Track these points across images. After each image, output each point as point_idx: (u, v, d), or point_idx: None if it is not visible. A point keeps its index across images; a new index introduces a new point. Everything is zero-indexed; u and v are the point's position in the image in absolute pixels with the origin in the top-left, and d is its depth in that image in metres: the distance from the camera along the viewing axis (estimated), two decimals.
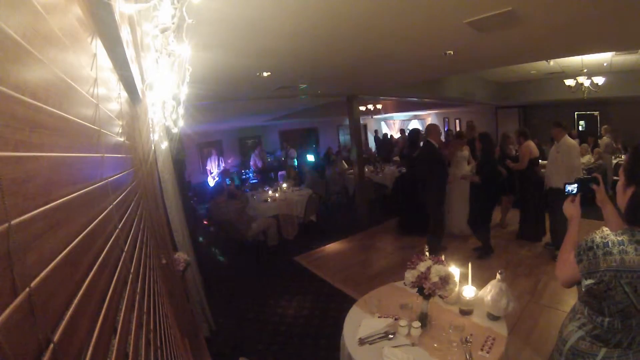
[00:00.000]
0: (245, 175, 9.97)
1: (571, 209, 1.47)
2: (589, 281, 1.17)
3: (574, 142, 4.11)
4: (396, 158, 9.02)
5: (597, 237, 1.16)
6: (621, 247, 1.09)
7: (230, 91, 4.39)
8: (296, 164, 10.04)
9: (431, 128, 4.32)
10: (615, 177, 7.35)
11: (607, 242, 1.12)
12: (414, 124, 15.30)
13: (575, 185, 1.49)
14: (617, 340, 1.17)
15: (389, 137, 13.38)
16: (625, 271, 1.08)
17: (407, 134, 7.52)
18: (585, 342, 1.24)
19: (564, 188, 1.52)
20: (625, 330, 1.15)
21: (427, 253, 2.00)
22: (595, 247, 1.14)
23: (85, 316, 0.48)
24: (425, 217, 4.68)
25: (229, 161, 9.16)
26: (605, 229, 1.19)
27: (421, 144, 4.66)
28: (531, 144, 4.67)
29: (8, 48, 0.36)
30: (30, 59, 0.42)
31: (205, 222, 6.30)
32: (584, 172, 5.78)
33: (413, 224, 5.32)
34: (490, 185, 4.14)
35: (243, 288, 4.24)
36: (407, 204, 5.40)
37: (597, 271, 1.13)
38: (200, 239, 5.59)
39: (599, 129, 9.74)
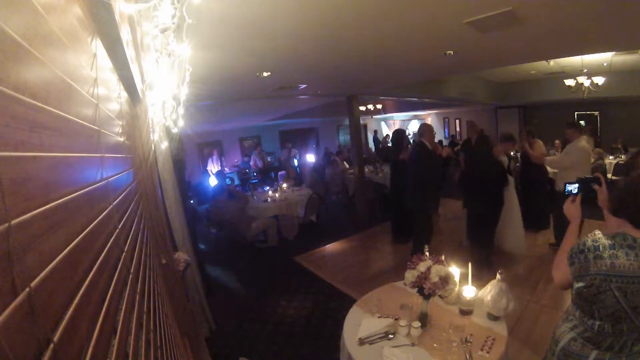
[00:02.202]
0: (245, 175, 9.96)
1: (572, 210, 1.45)
2: (580, 284, 1.17)
3: (586, 145, 4.05)
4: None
5: (589, 240, 1.16)
6: (612, 251, 1.09)
7: (230, 91, 4.39)
8: (296, 164, 10.04)
9: (424, 128, 4.17)
10: (614, 177, 7.36)
11: (598, 245, 1.12)
12: (414, 124, 15.30)
13: (576, 185, 1.48)
14: (608, 344, 1.17)
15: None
16: (615, 275, 1.07)
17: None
18: (577, 343, 1.24)
19: (565, 188, 1.51)
20: (616, 334, 1.15)
21: (427, 253, 2.00)
22: (586, 250, 1.14)
23: (85, 316, 0.48)
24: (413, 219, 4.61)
25: (236, 160, 9.16)
26: (597, 232, 1.18)
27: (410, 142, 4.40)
28: None
29: (8, 48, 0.36)
30: (30, 59, 0.42)
31: (206, 226, 6.27)
32: None
33: (405, 229, 5.02)
34: (494, 195, 3.64)
35: (243, 288, 4.24)
36: (398, 208, 5.04)
37: (588, 274, 1.13)
38: (202, 246, 5.58)
39: (599, 128, 9.75)
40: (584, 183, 1.46)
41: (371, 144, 13.73)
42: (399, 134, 5.13)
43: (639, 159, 3.38)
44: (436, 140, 5.70)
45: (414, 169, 4.10)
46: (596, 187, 1.44)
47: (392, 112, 12.56)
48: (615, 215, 1.17)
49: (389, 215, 5.53)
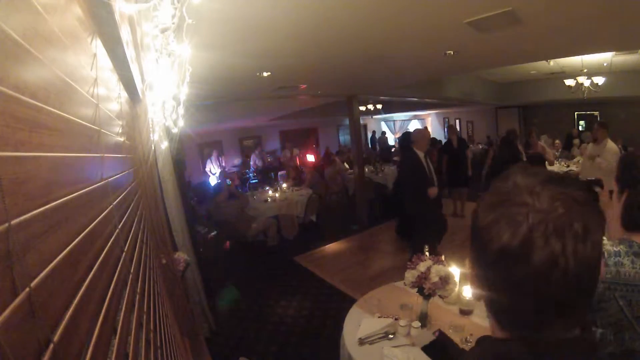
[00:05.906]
0: (246, 175, 9.96)
1: None
2: None
3: (614, 145, 4.08)
4: (396, 158, 8.99)
5: None
6: (617, 258, 1.06)
7: (230, 91, 4.39)
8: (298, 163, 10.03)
9: (417, 136, 3.96)
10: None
11: (603, 252, 1.07)
12: (414, 124, 15.30)
13: None
14: (609, 351, 1.16)
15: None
16: (620, 284, 1.05)
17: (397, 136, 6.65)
18: None
19: None
20: (617, 343, 1.13)
21: (427, 253, 2.00)
22: None
23: (85, 316, 0.48)
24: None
25: (236, 161, 9.22)
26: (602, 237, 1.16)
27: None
28: None
29: (8, 48, 0.36)
30: (30, 59, 0.42)
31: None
32: None
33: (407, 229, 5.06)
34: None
35: (243, 288, 4.23)
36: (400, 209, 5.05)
37: None
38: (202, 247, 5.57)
39: None
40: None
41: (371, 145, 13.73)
42: (406, 136, 5.02)
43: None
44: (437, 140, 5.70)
45: (403, 176, 4.13)
46: (597, 189, 1.43)
47: (392, 112, 12.56)
48: (629, 231, 1.14)
49: (392, 214, 5.58)
